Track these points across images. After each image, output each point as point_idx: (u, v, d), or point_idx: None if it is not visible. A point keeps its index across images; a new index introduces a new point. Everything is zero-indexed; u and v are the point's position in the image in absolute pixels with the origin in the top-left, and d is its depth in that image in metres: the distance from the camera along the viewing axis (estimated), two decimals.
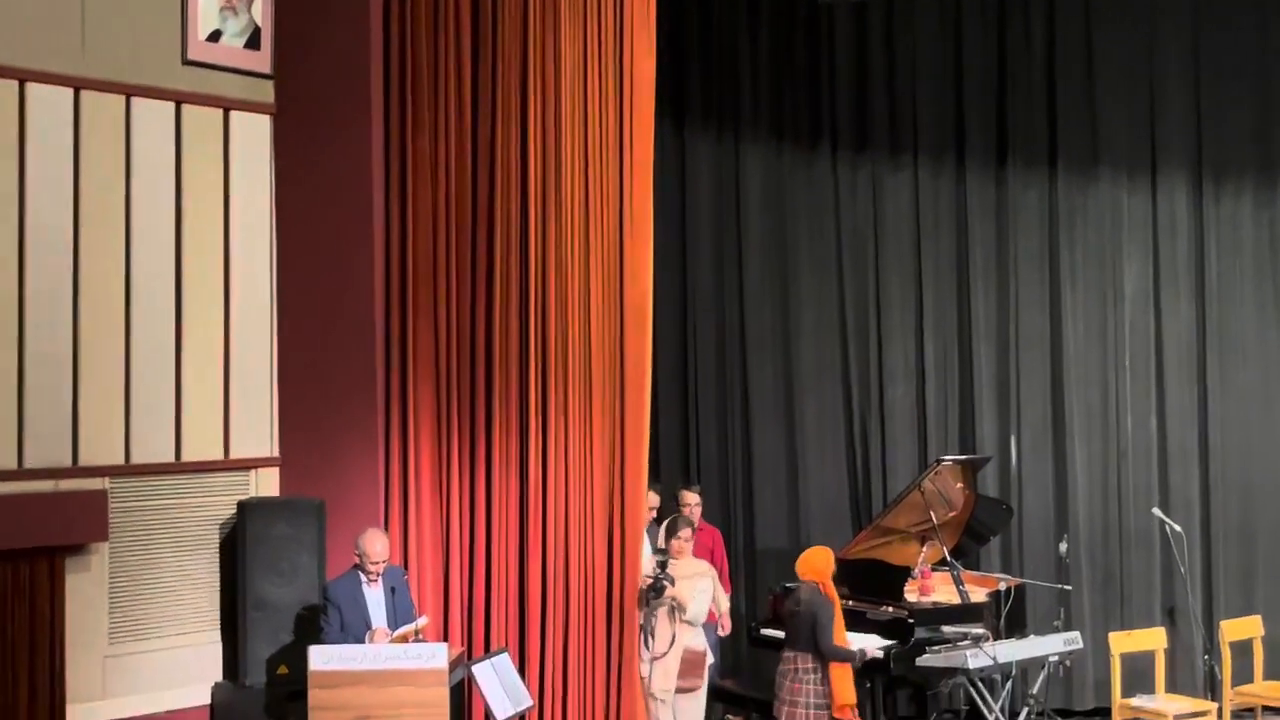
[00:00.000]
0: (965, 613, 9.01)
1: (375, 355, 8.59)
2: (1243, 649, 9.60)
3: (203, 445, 8.57)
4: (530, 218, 8.46)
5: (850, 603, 8.92)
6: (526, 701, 7.97)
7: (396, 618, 7.77)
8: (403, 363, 8.61)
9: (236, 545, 8.45)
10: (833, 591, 8.28)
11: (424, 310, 8.59)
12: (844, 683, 8.14)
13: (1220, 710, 9.38)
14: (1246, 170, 10.75)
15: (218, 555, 8.61)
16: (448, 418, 8.59)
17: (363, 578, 7.79)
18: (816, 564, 8.31)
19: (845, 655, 8.13)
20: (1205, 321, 10.70)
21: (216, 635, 8.59)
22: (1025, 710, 8.67)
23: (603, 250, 8.46)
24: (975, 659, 8.21)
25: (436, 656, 7.41)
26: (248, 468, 8.74)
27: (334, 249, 8.70)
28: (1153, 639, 9.46)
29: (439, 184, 8.63)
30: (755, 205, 10.42)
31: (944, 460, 9.48)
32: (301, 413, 8.76)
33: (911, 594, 9.25)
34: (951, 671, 8.42)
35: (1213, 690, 9.78)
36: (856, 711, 8.21)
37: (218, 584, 8.60)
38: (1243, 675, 9.63)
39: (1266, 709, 9.65)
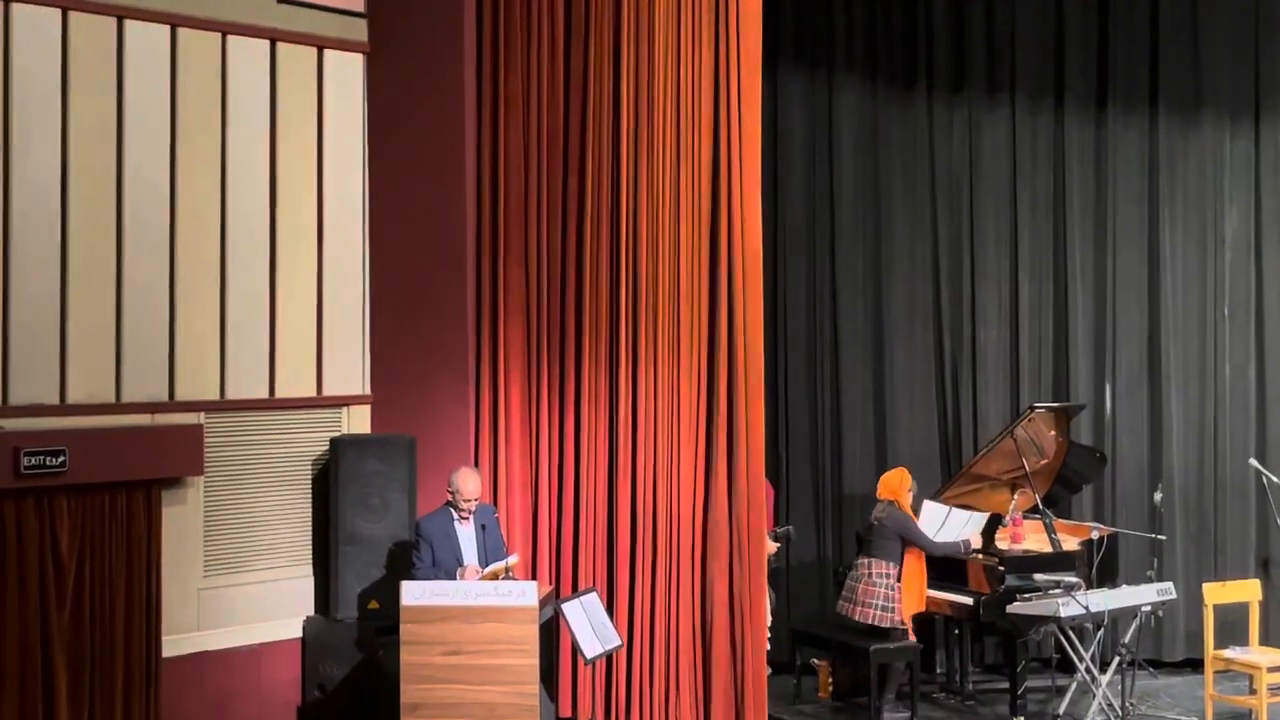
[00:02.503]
0: (1057, 561, 8.93)
1: (466, 294, 8.61)
2: None
3: (296, 382, 8.64)
4: (622, 158, 8.42)
5: None
6: (615, 640, 8.01)
7: (487, 555, 7.83)
8: (493, 302, 8.63)
9: (329, 481, 8.53)
10: (908, 508, 8.93)
11: (515, 249, 8.60)
12: (913, 593, 8.83)
13: None
14: None
15: (310, 491, 8.69)
16: (538, 356, 8.61)
17: (454, 514, 7.85)
18: (892, 484, 9.03)
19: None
20: None
21: (308, 570, 8.69)
22: (1117, 660, 8.59)
23: (694, 189, 8.41)
24: (1067, 607, 8.13)
25: (526, 594, 7.46)
26: (340, 405, 8.81)
27: (426, 188, 8.71)
28: (1247, 590, 9.31)
29: (530, 124, 8.61)
30: (848, 145, 10.28)
31: (1037, 407, 9.36)
32: (393, 351, 8.80)
33: (1003, 541, 9.18)
34: (1042, 619, 8.36)
35: None
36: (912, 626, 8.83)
37: (310, 519, 8.70)
38: None
39: None
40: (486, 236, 8.64)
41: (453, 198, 8.61)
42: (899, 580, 8.83)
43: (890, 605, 8.77)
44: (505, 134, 8.62)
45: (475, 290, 8.66)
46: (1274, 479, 9.83)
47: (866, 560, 8.88)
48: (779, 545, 8.88)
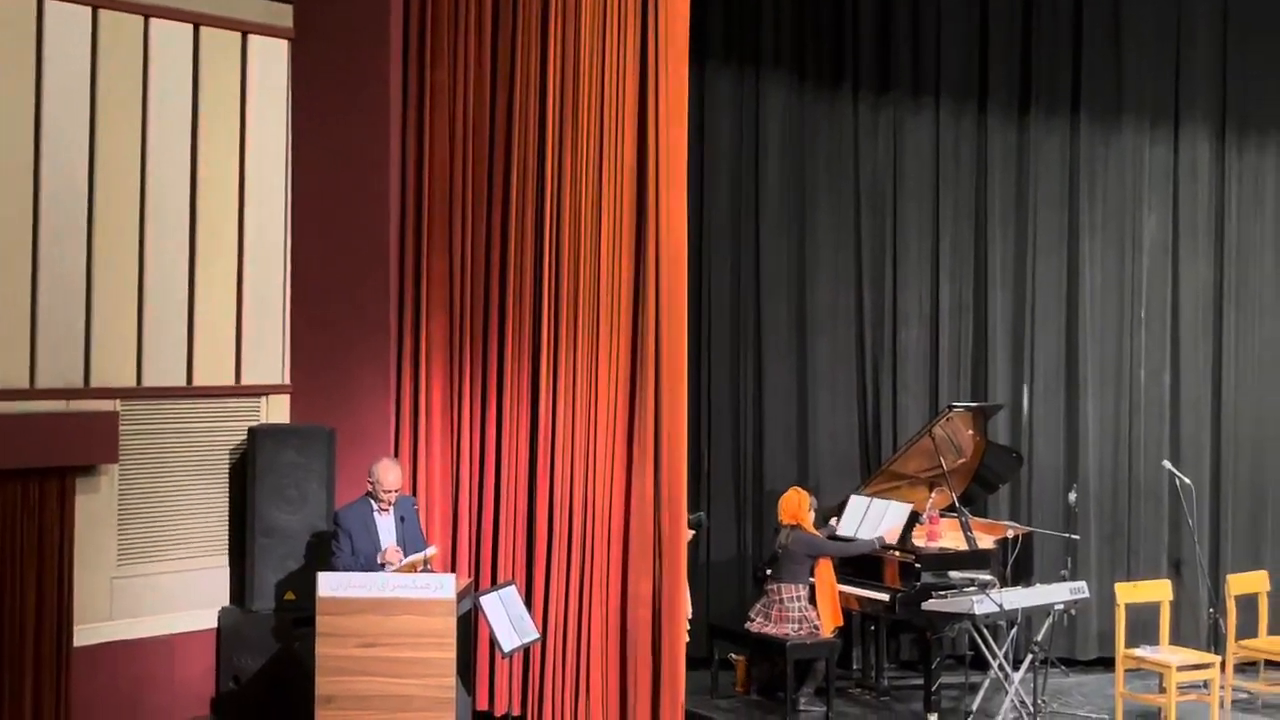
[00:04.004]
0: (972, 559, 9.03)
1: (389, 285, 8.58)
2: (1248, 603, 9.61)
3: (214, 370, 8.57)
4: (548, 152, 8.41)
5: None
6: (532, 634, 8.01)
7: (406, 546, 7.80)
8: (416, 294, 8.60)
9: (246, 471, 8.47)
10: (811, 527, 9.00)
11: (438, 242, 8.57)
12: (829, 609, 8.94)
13: (1223, 663, 9.39)
14: (1270, 123, 10.66)
15: (227, 480, 8.62)
16: (460, 349, 8.59)
17: (374, 505, 7.82)
18: (791, 507, 9.08)
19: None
20: (1223, 275, 10.65)
21: (224, 560, 8.62)
22: (1029, 658, 8.69)
23: (619, 186, 8.39)
24: (981, 605, 8.22)
25: (444, 586, 7.44)
26: (259, 394, 8.75)
27: (349, 177, 8.66)
28: (1158, 591, 9.45)
29: (456, 116, 8.58)
30: (774, 144, 10.32)
31: (955, 407, 9.47)
32: (314, 340, 8.75)
33: (919, 539, 9.27)
34: (957, 617, 8.44)
35: (1216, 643, 9.79)
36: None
37: (226, 509, 8.63)
38: (1247, 629, 9.64)
39: (1269, 663, 9.67)
40: (410, 228, 8.61)
41: (376, 188, 8.57)
42: (811, 600, 8.94)
43: (807, 620, 8.88)
44: (430, 125, 8.59)
45: (398, 281, 8.63)
46: (1186, 481, 10.00)
47: (776, 586, 8.96)
48: (694, 533, 8.89)
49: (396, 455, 8.47)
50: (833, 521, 9.47)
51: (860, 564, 9.15)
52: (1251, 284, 10.68)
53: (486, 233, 8.58)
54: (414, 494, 8.40)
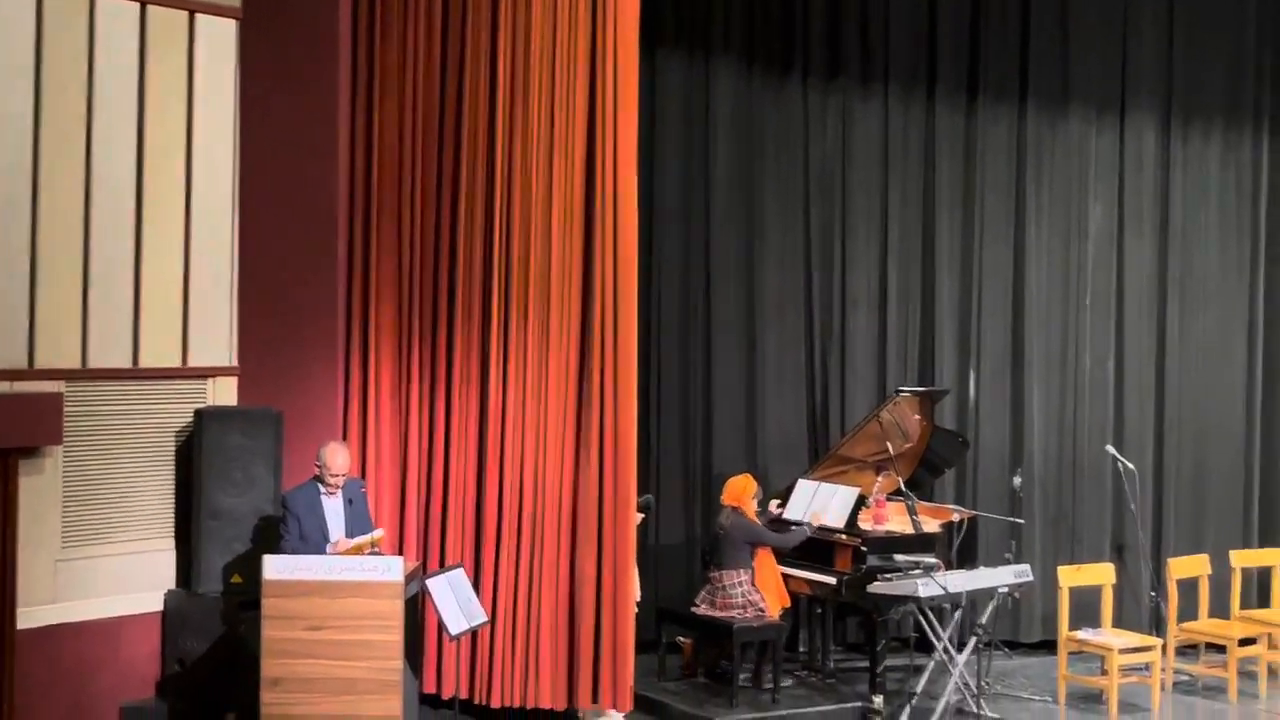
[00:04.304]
0: (918, 542, 9.11)
1: (338, 267, 8.55)
2: (1189, 587, 9.75)
3: (160, 352, 8.50)
4: (498, 136, 8.40)
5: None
6: (480, 617, 8.02)
7: (353, 529, 7.78)
8: (365, 277, 8.57)
9: (192, 453, 8.41)
10: (752, 514, 9.00)
11: (387, 224, 8.55)
12: (773, 593, 8.99)
13: (1164, 646, 9.52)
14: (1215, 113, 10.79)
15: (173, 462, 8.56)
16: (409, 332, 8.58)
17: (321, 488, 7.80)
18: (737, 492, 9.07)
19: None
20: (1167, 263, 10.79)
21: (170, 543, 8.56)
22: (973, 640, 8.77)
23: (569, 171, 8.40)
24: (926, 588, 8.29)
25: (392, 569, 7.42)
26: (205, 376, 8.69)
27: (298, 159, 8.61)
28: (1101, 574, 9.58)
29: (406, 98, 8.55)
30: (724, 130, 10.35)
31: (902, 391, 9.54)
32: (261, 323, 8.70)
33: (865, 522, 9.33)
34: (902, 599, 8.51)
35: (1158, 626, 9.93)
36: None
37: (172, 491, 8.56)
38: (1188, 613, 9.79)
39: (1210, 646, 9.82)
40: (359, 210, 8.58)
41: (325, 170, 8.53)
42: (754, 584, 8.97)
43: (752, 604, 8.91)
44: (380, 107, 8.56)
45: (347, 264, 8.60)
46: (1129, 466, 10.12)
47: (718, 573, 8.98)
48: (643, 516, 8.92)
49: (345, 438, 8.45)
50: (773, 505, 9.51)
51: (807, 548, 9.21)
52: (1195, 272, 10.82)
53: (436, 216, 8.56)
54: (362, 477, 8.38)
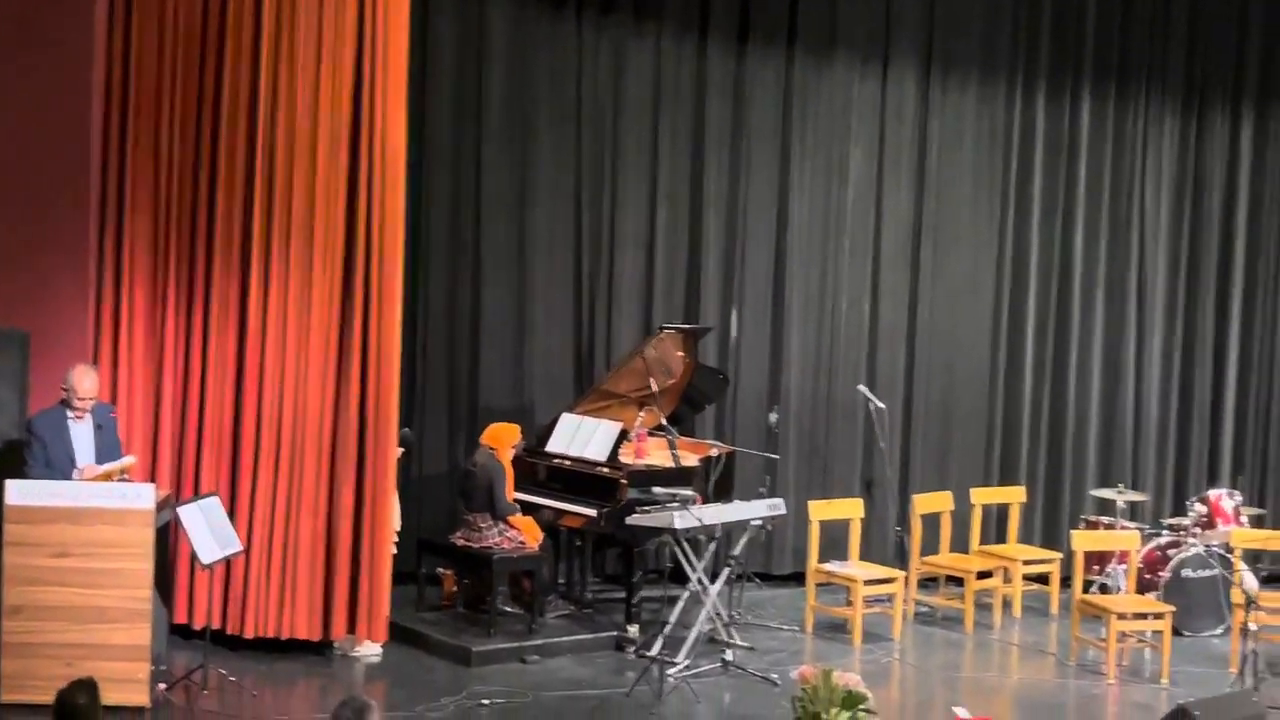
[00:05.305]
0: (677, 476, 9.30)
1: (90, 186, 8.30)
2: (932, 522, 10.18)
3: None
4: (262, 59, 8.23)
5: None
6: (235, 546, 7.92)
7: (103, 456, 7.60)
8: (120, 197, 8.35)
9: None
10: (506, 460, 9.00)
11: (144, 144, 8.33)
12: (530, 529, 9.02)
13: (907, 579, 9.93)
14: (972, 66, 11.16)
15: None
16: (165, 255, 8.39)
17: (69, 413, 7.60)
18: (498, 434, 9.12)
19: (513, 509, 8.98)
20: (923, 209, 11.15)
21: None
22: (726, 571, 9.01)
23: (336, 97, 8.29)
24: (682, 520, 8.47)
25: (142, 497, 7.30)
26: None
27: (49, 73, 8.29)
28: (850, 509, 9.93)
29: (166, 13, 8.31)
30: (498, 63, 10.28)
31: (666, 328, 9.70)
32: (6, 239, 8.35)
33: (627, 457, 9.48)
34: (659, 531, 8.69)
35: (902, 559, 10.34)
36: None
37: None
38: (930, 547, 10.22)
39: (949, 579, 10.27)
40: (115, 127, 8.33)
41: (78, 85, 8.25)
42: (506, 524, 8.96)
43: (510, 539, 8.93)
44: (139, 21, 8.28)
45: (100, 185, 8.35)
46: (880, 405, 10.49)
47: (471, 516, 8.99)
48: (404, 450, 8.91)
49: (96, 361, 8.23)
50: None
51: (569, 480, 9.33)
52: (948, 217, 11.21)
53: (196, 135, 8.36)
54: (113, 402, 8.18)
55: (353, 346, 8.33)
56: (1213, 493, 10.27)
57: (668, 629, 8.47)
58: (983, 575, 9.99)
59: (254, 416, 8.31)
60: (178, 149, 8.36)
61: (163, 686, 7.61)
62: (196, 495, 8.08)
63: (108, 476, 7.45)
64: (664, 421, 9.61)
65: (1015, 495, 10.75)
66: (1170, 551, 9.86)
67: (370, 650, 8.53)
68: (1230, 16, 11.60)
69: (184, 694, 7.71)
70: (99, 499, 7.26)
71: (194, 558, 7.78)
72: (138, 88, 8.29)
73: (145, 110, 8.31)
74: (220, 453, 8.37)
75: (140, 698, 7.28)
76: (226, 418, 8.36)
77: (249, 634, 8.32)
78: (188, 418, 8.41)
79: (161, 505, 7.58)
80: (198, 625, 8.25)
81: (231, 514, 8.13)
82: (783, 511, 9.33)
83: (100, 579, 7.27)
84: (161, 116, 8.33)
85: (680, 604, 8.80)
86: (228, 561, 8.04)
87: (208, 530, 7.71)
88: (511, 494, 9.04)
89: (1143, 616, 9.18)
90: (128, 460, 7.64)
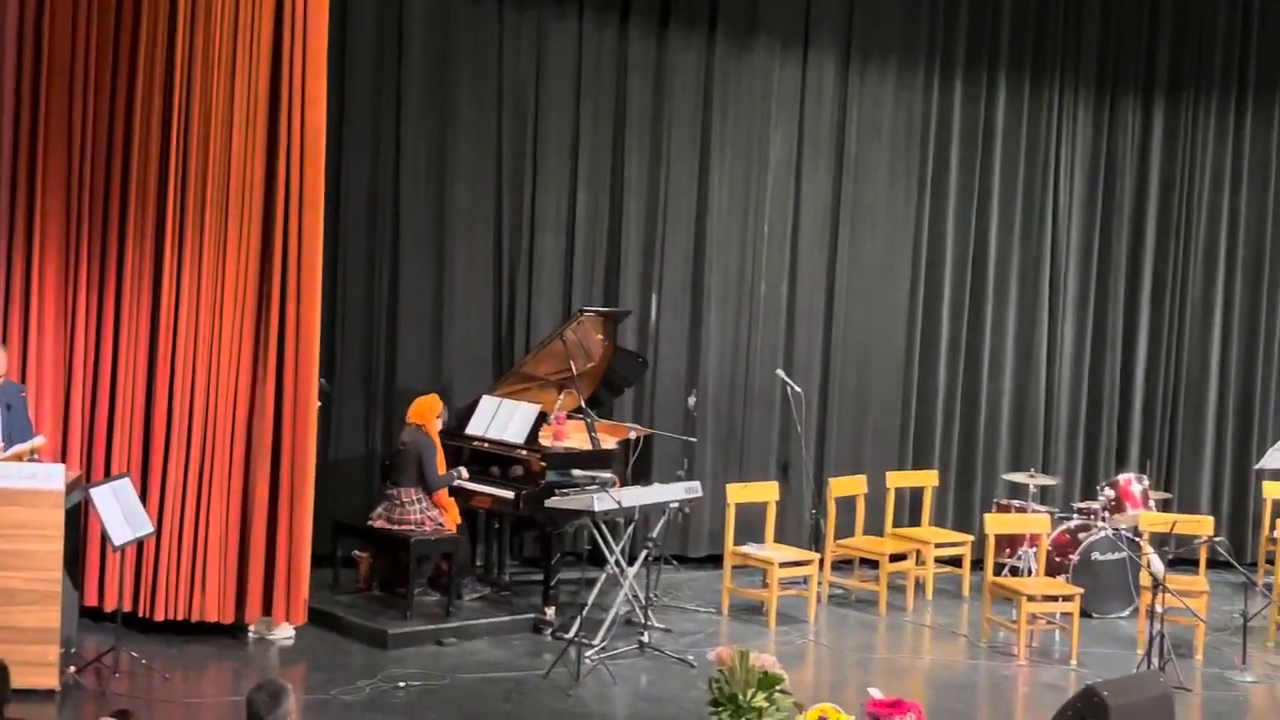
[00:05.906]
0: (596, 458, 9.31)
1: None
2: (847, 505, 10.28)
3: None
4: (178, 26, 8.15)
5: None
6: (146, 528, 7.84)
7: (11, 435, 7.49)
8: (30, 178, 8.22)
9: None
10: (434, 433, 9.05)
11: (57, 112, 8.21)
12: (452, 509, 9.08)
13: (822, 561, 10.03)
14: (891, 52, 11.24)
15: None
16: (77, 235, 8.28)
17: None
18: (422, 409, 9.11)
19: (445, 481, 9.04)
20: (841, 194, 11.22)
21: None
22: (644, 553, 9.05)
23: (253, 73, 8.21)
24: (600, 502, 8.50)
25: (52, 477, 7.20)
26: None
27: None
28: (766, 492, 10.00)
29: None
30: (419, 40, 10.20)
31: (586, 311, 9.70)
32: None
33: (546, 439, 9.48)
34: (577, 514, 8.70)
35: (817, 542, 10.44)
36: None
37: None
38: (845, 530, 10.32)
39: (864, 561, 10.38)
40: (26, 97, 8.19)
41: None
42: (433, 501, 9.00)
43: (430, 519, 8.95)
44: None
45: (11, 153, 8.21)
46: (797, 389, 10.57)
47: (396, 490, 8.99)
48: (319, 403, 8.74)
49: (5, 339, 8.09)
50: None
51: (487, 462, 9.32)
52: (865, 203, 11.29)
53: (110, 108, 8.25)
54: (23, 381, 8.05)
55: (270, 326, 8.26)
56: (1122, 477, 10.44)
57: (585, 611, 8.48)
58: (896, 558, 10.11)
59: (166, 397, 8.22)
60: (90, 124, 8.23)
61: (73, 669, 7.52)
62: (108, 476, 7.97)
63: (18, 458, 7.34)
64: (583, 404, 9.61)
65: (929, 479, 10.88)
66: (1080, 535, 10.03)
67: (284, 633, 8.48)
68: (1142, 9, 11.77)
69: (95, 677, 7.63)
70: (8, 480, 7.16)
71: (105, 539, 7.68)
72: (50, 62, 8.15)
73: (58, 85, 8.17)
74: (132, 434, 8.27)
75: (50, 681, 7.20)
76: (139, 398, 8.26)
77: (160, 616, 8.25)
78: (99, 399, 8.29)
79: (72, 486, 7.48)
80: (109, 608, 8.16)
81: (143, 496, 8.04)
82: (700, 494, 9.40)
83: (9, 560, 7.18)
84: (75, 91, 8.20)
85: (598, 586, 8.84)
86: (139, 544, 7.95)
87: (119, 512, 7.62)
88: (443, 466, 9.06)
89: (1053, 599, 9.33)
90: (38, 440, 7.53)
